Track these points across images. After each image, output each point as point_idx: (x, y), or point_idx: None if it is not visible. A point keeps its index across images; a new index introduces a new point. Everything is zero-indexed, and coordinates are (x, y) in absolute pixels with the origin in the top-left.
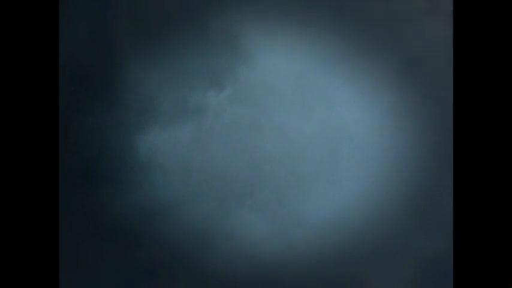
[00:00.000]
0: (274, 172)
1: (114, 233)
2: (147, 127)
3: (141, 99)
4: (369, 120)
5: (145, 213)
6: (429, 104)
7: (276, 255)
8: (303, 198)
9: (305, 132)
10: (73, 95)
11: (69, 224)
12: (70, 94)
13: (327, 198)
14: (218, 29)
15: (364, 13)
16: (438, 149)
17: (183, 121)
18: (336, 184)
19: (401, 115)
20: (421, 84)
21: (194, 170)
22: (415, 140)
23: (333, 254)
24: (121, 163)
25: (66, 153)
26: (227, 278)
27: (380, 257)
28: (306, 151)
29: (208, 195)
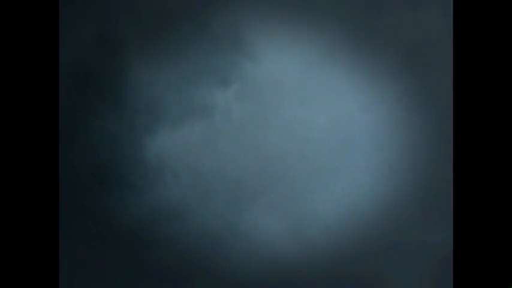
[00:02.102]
0: (285, 169)
1: (127, 236)
2: (155, 129)
3: (148, 101)
4: (378, 110)
5: (157, 216)
6: (436, 92)
7: (292, 254)
8: (315, 194)
9: (314, 126)
10: (80, 98)
11: (81, 228)
12: (77, 98)
13: (340, 193)
14: (221, 26)
15: (367, 5)
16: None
17: (191, 121)
18: (348, 178)
19: (409, 104)
20: (426, 71)
21: (204, 171)
22: (427, 129)
23: (349, 249)
24: (132, 166)
25: (76, 157)
26: (242, 279)
27: (396, 250)
28: (316, 146)
29: (219, 196)
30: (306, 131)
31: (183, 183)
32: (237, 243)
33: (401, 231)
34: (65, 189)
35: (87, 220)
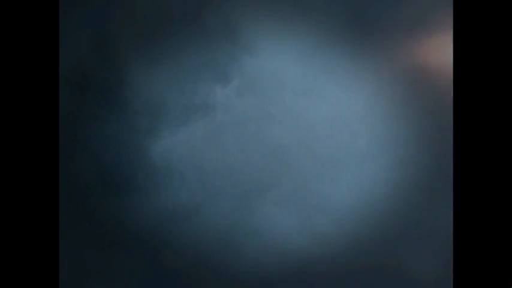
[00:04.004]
0: (293, 162)
1: (136, 240)
2: (158, 130)
3: (149, 102)
4: (382, 94)
5: (166, 219)
6: (438, 72)
7: (305, 248)
8: (325, 186)
9: (319, 116)
10: (81, 104)
11: (88, 233)
12: (78, 104)
13: (350, 184)
14: (216, 21)
15: None
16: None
17: (193, 120)
18: (357, 168)
19: (414, 85)
20: (429, 50)
21: (210, 169)
22: (435, 114)
23: (363, 239)
24: (136, 170)
25: (80, 163)
26: (257, 277)
27: (412, 238)
28: (322, 137)
29: (228, 193)
30: (310, 121)
31: (190, 183)
32: (249, 240)
33: (416, 218)
34: (70, 196)
35: (94, 225)
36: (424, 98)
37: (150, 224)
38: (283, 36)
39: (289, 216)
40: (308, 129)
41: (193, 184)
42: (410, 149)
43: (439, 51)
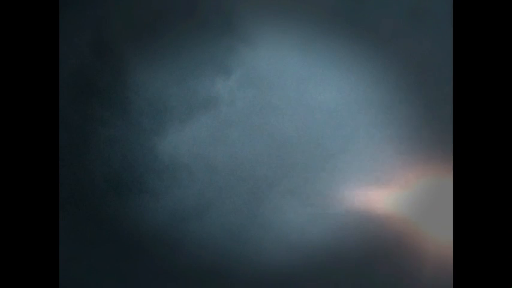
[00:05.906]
0: (300, 152)
1: (149, 241)
2: (163, 129)
3: (151, 101)
4: (384, 79)
5: (178, 217)
6: (440, 53)
7: (317, 240)
8: (335, 173)
9: (323, 104)
10: (85, 109)
11: (100, 237)
12: (82, 108)
13: (359, 172)
14: (214, 14)
15: None
16: None
17: (197, 116)
18: (366, 155)
19: (417, 69)
20: (429, 33)
21: (218, 164)
22: (437, 97)
23: (377, 229)
24: (145, 170)
25: (87, 166)
26: (273, 267)
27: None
28: (328, 124)
29: (237, 188)
30: (315, 110)
31: (198, 180)
32: (262, 234)
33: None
34: (80, 199)
35: (105, 228)
36: (425, 86)
37: (161, 224)
38: (282, 26)
39: (299, 209)
40: (313, 118)
41: (201, 181)
42: (414, 135)
43: (439, 39)
